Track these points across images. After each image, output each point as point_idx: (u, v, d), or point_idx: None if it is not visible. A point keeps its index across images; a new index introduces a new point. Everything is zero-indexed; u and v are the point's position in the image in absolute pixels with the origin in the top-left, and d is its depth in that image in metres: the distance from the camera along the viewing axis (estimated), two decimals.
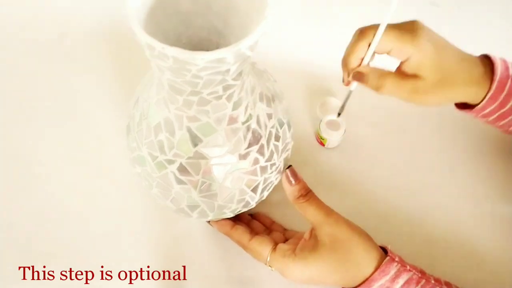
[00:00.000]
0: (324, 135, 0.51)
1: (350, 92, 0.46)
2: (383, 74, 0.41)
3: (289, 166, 0.41)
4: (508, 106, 0.43)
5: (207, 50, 0.27)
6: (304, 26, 0.66)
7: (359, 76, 0.42)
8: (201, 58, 0.26)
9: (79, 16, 0.65)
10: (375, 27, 0.40)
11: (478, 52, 0.62)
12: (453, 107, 0.47)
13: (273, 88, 0.40)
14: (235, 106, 0.34)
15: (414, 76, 0.41)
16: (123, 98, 0.57)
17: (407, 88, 0.41)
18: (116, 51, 0.61)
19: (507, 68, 0.43)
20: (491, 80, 0.42)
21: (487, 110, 0.44)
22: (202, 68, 0.27)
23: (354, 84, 0.44)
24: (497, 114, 0.44)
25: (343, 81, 0.45)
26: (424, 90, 0.41)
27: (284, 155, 0.40)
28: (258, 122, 0.36)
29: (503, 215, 0.49)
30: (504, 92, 0.42)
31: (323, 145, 0.53)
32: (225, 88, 0.31)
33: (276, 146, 0.38)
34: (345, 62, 0.43)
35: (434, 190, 0.50)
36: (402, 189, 0.50)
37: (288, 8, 0.67)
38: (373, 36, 0.40)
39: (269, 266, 0.41)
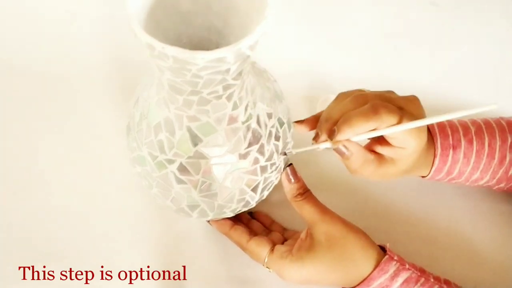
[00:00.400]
0: None
1: (315, 148, 0.38)
2: (367, 160, 0.38)
3: (290, 165, 0.42)
4: (455, 172, 0.44)
5: (207, 49, 0.27)
6: (304, 25, 0.66)
7: (342, 151, 0.37)
8: (201, 57, 0.26)
9: (79, 16, 0.65)
10: (394, 116, 0.34)
11: (478, 52, 0.62)
12: (452, 105, 0.47)
13: (273, 88, 0.40)
14: (235, 106, 0.34)
15: (390, 162, 0.39)
16: (123, 98, 0.57)
17: (379, 173, 0.39)
18: (116, 51, 0.62)
19: (446, 136, 0.43)
20: (434, 155, 0.43)
21: (437, 178, 0.45)
22: (202, 68, 0.28)
23: (325, 145, 0.37)
24: (447, 179, 0.45)
25: (315, 134, 0.38)
26: (392, 175, 0.40)
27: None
28: (258, 122, 0.36)
29: (503, 214, 0.49)
30: (448, 164, 0.43)
31: None
32: (225, 88, 0.31)
33: (276, 146, 0.38)
34: (331, 122, 0.36)
35: (434, 189, 0.50)
36: (402, 189, 0.50)
37: (288, 8, 0.67)
38: (386, 126, 0.35)
39: (267, 267, 0.41)
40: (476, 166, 0.43)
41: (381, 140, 0.38)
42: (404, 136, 0.36)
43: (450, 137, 0.43)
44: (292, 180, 0.41)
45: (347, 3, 0.68)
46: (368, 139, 0.39)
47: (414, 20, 0.66)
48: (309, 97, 0.57)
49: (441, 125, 0.44)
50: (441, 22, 0.67)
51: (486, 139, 0.43)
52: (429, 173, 0.44)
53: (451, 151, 0.43)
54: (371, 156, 0.38)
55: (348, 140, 0.36)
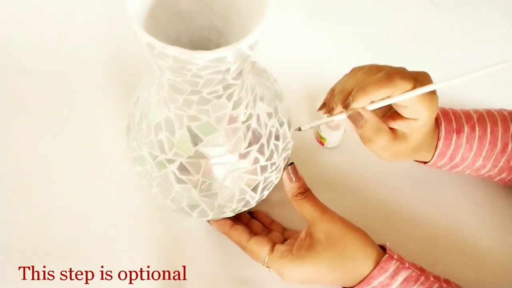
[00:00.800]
0: (323, 134, 0.51)
1: (330, 121, 0.38)
2: (381, 129, 0.37)
3: (291, 163, 0.42)
4: (458, 158, 0.44)
5: (207, 49, 0.27)
6: (304, 25, 0.66)
7: (356, 119, 0.36)
8: (201, 57, 0.26)
9: (79, 16, 0.65)
10: (408, 82, 0.35)
11: (478, 52, 0.62)
12: (452, 104, 0.47)
13: (273, 88, 0.40)
14: (235, 106, 0.34)
15: (403, 138, 0.39)
16: (123, 98, 0.57)
17: (392, 150, 0.39)
18: (116, 50, 0.62)
19: (450, 121, 0.43)
20: (438, 138, 0.43)
21: (439, 164, 0.45)
22: (202, 68, 0.27)
23: (340, 117, 0.37)
24: (449, 166, 0.45)
25: (327, 107, 0.39)
26: (403, 153, 0.40)
27: (284, 155, 0.40)
28: (258, 122, 0.36)
29: (503, 214, 0.49)
30: (451, 148, 0.43)
31: (323, 144, 0.53)
32: (225, 88, 0.31)
33: (276, 146, 0.38)
34: (345, 93, 0.37)
35: (434, 189, 0.50)
36: (402, 189, 0.50)
37: (288, 7, 0.67)
38: (400, 92, 0.35)
39: (267, 267, 0.41)
40: (478, 152, 0.43)
41: (393, 114, 0.39)
42: (416, 105, 0.36)
43: (454, 122, 0.43)
44: (293, 179, 0.41)
45: (347, 3, 0.68)
46: (382, 114, 0.40)
47: (414, 20, 0.66)
48: (309, 97, 0.57)
49: (444, 111, 0.44)
50: (441, 22, 0.67)
51: (489, 126, 0.43)
52: (432, 157, 0.44)
53: (454, 135, 0.43)
54: (385, 126, 0.38)
55: (363, 108, 0.36)
